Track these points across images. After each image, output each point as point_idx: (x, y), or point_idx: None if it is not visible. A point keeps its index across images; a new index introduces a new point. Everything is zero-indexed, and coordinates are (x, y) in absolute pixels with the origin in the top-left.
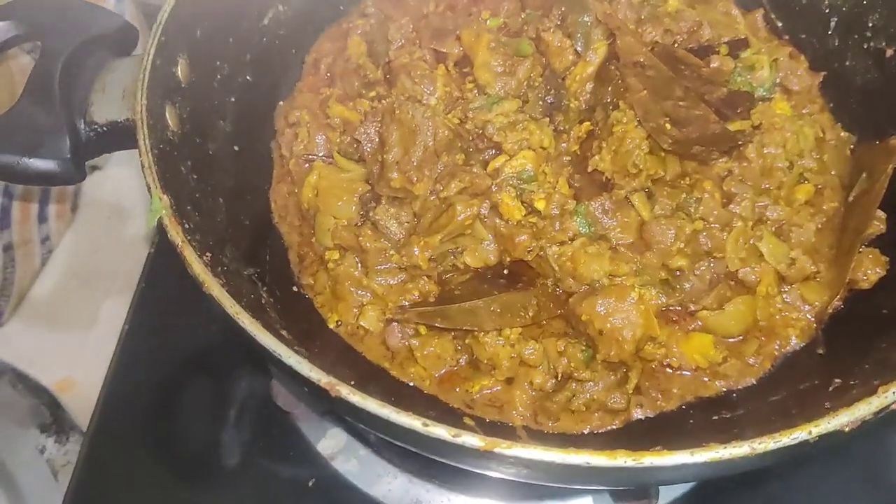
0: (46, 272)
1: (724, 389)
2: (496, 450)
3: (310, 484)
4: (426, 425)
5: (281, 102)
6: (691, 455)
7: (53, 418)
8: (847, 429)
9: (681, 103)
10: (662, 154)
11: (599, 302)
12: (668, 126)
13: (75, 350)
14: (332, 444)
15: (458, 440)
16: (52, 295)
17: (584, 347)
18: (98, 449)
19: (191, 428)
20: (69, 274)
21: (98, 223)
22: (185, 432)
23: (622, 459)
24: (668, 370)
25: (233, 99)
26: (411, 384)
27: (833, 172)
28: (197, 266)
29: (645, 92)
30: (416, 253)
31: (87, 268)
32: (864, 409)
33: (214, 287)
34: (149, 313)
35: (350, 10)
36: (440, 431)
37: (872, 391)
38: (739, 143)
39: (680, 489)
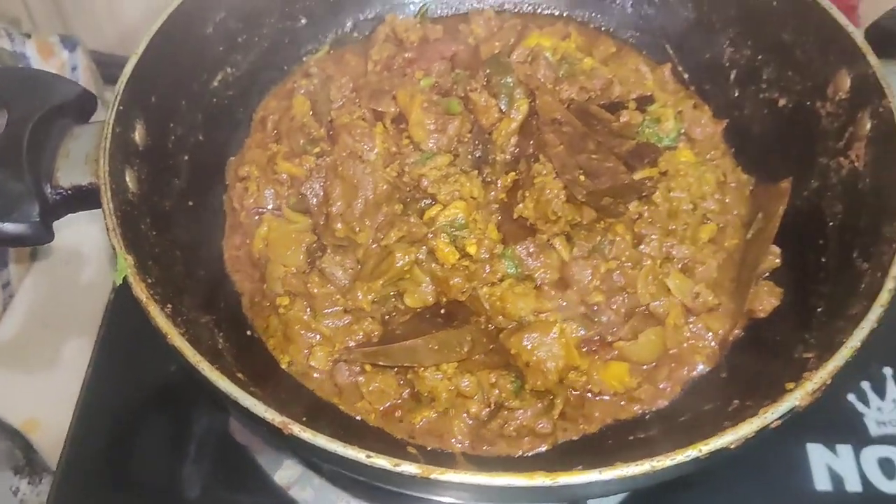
0: (7, 317)
1: (640, 412)
2: (432, 476)
3: None
4: (369, 457)
5: (231, 158)
6: (600, 474)
7: (26, 460)
8: (733, 446)
9: (593, 156)
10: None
11: (525, 337)
12: (581, 178)
13: (38, 391)
14: (288, 474)
15: (398, 469)
16: (14, 339)
17: (513, 378)
18: (66, 488)
19: (154, 464)
20: (30, 318)
21: (57, 268)
22: (149, 468)
23: (540, 480)
24: (590, 396)
25: (186, 157)
26: (358, 418)
27: (735, 212)
28: (160, 320)
29: (561, 147)
30: (360, 297)
31: (48, 311)
32: (746, 429)
33: (176, 339)
34: (111, 354)
35: (294, 70)
36: (382, 462)
37: (755, 413)
38: (644, 192)
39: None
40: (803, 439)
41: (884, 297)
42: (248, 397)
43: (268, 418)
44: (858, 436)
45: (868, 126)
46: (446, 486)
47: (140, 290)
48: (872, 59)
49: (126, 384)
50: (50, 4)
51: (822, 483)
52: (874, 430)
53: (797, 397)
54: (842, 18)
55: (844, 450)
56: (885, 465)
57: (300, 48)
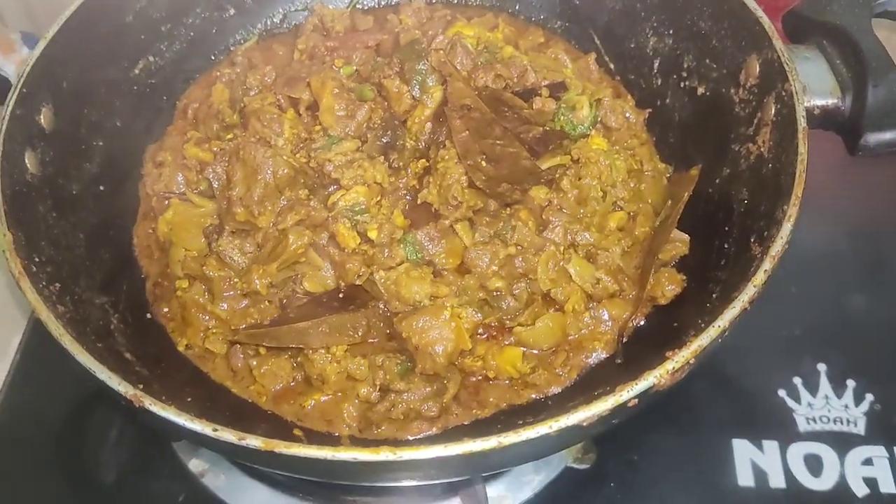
0: None
1: (534, 397)
2: (276, 450)
3: (180, 499)
4: (216, 430)
5: (151, 145)
6: (444, 448)
7: None
8: (585, 423)
9: (498, 142)
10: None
11: (416, 320)
12: (483, 164)
13: None
14: (200, 462)
15: (243, 443)
16: None
17: (399, 361)
18: None
19: (72, 449)
20: None
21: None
22: (66, 453)
23: (384, 454)
24: (487, 381)
25: (101, 143)
26: (250, 401)
27: (649, 201)
28: (30, 294)
29: (467, 132)
30: (257, 281)
31: None
32: (600, 407)
33: (43, 312)
34: (38, 344)
35: (221, 60)
36: (228, 436)
37: (611, 392)
38: (544, 178)
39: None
40: (729, 434)
41: (759, 277)
42: (103, 370)
43: (120, 391)
44: (786, 432)
45: (773, 111)
46: (292, 462)
47: (14, 266)
48: (778, 42)
49: (49, 370)
50: (19, 1)
51: (745, 478)
52: (803, 426)
53: (656, 376)
54: (751, 3)
55: (770, 446)
56: (811, 461)
57: (228, 38)
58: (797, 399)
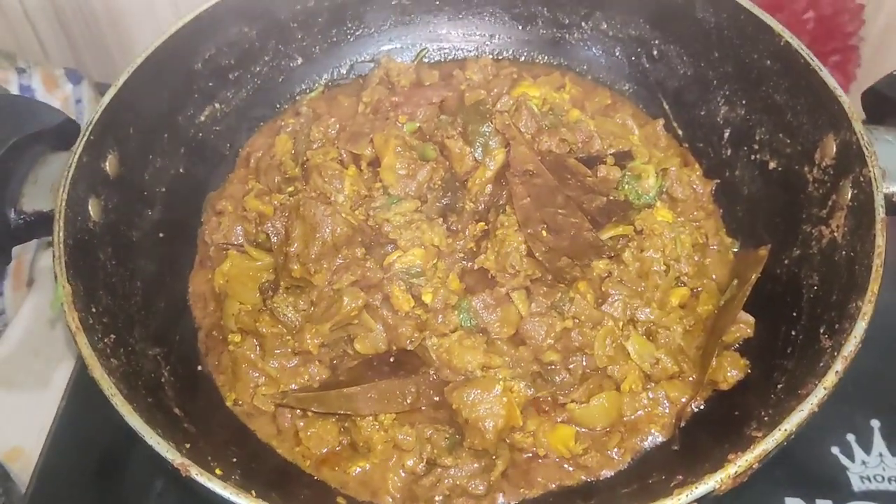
0: (1, 344)
1: (584, 479)
2: None
3: None
4: None
5: (212, 193)
6: None
7: (3, 489)
8: None
9: (560, 211)
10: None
11: (467, 392)
12: (543, 233)
13: (25, 420)
14: None
15: None
16: (5, 366)
17: (448, 434)
18: None
19: (121, 496)
20: (23, 345)
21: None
22: (116, 499)
23: None
24: (537, 459)
25: (163, 189)
26: (295, 463)
27: (714, 277)
28: (85, 350)
29: (528, 199)
30: (308, 339)
31: (41, 339)
32: None
33: (97, 370)
34: (88, 384)
35: (286, 109)
36: None
37: (669, 494)
38: (605, 252)
39: None
40: (781, 494)
41: (829, 379)
42: (153, 435)
43: (168, 458)
44: (840, 491)
45: (849, 195)
46: None
47: (71, 320)
48: (857, 124)
49: (99, 414)
50: (61, 36)
51: None
52: (857, 485)
53: (717, 480)
54: (831, 81)
55: None
56: None
57: (294, 87)
58: (851, 457)
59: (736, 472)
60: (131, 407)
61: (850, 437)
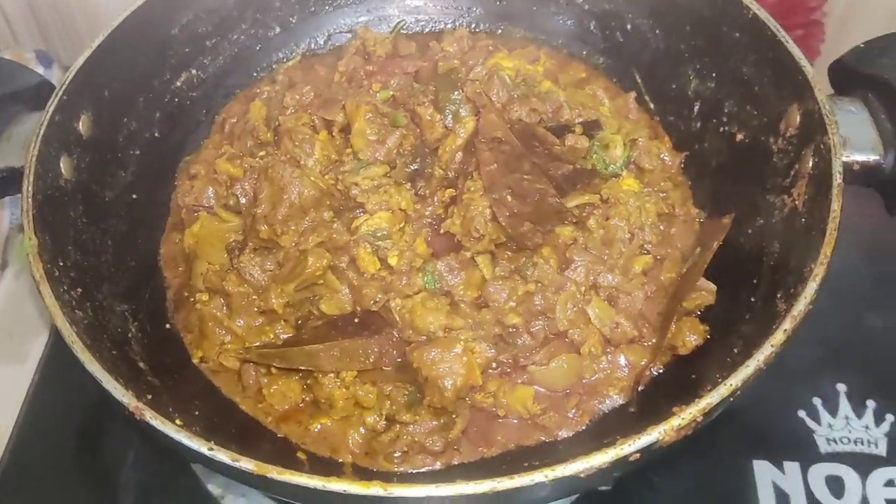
0: None
1: (543, 439)
2: (268, 475)
3: None
4: (211, 449)
5: (187, 157)
6: (436, 488)
7: None
8: (583, 475)
9: (525, 177)
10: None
11: (427, 351)
12: (508, 198)
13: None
14: (220, 482)
15: (237, 464)
16: None
17: (407, 392)
18: (4, 490)
19: (92, 468)
20: None
21: (27, 278)
22: (87, 472)
23: (374, 489)
24: (497, 419)
25: (137, 152)
26: (258, 419)
27: (678, 246)
28: (48, 299)
29: (495, 165)
30: (273, 299)
31: (17, 320)
32: (599, 459)
33: (59, 318)
34: (58, 362)
35: (263, 77)
36: (222, 456)
37: (613, 444)
38: (568, 219)
39: None
40: (750, 456)
41: (777, 337)
42: (110, 380)
43: (124, 402)
44: (807, 453)
45: (810, 163)
46: (285, 488)
47: (36, 269)
48: (820, 94)
49: (71, 390)
50: (31, 21)
51: (766, 500)
52: (824, 447)
53: (660, 431)
54: (796, 52)
55: (792, 467)
56: (832, 483)
57: (271, 56)
58: (817, 420)
59: (679, 425)
60: (90, 355)
61: (817, 401)
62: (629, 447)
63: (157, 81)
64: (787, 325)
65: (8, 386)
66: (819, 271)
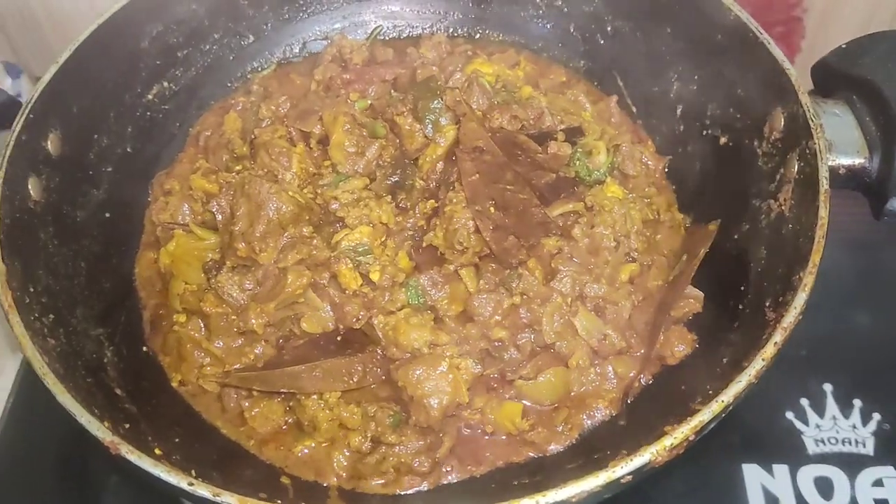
0: None
1: (532, 455)
2: None
3: None
4: (191, 484)
5: (161, 172)
6: None
7: None
8: (574, 500)
9: (508, 187)
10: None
11: (412, 369)
12: (492, 210)
13: None
14: None
15: (219, 499)
16: None
17: (392, 412)
18: None
19: (74, 492)
20: None
21: None
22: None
23: None
24: (485, 436)
25: (109, 169)
26: (240, 443)
27: (664, 252)
28: (17, 329)
29: (477, 175)
30: (253, 319)
31: None
32: (591, 483)
33: (28, 349)
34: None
35: (237, 88)
36: (203, 491)
37: (604, 467)
38: (553, 231)
39: None
40: (738, 460)
41: (768, 350)
42: (84, 412)
43: (99, 436)
44: (796, 455)
45: (796, 168)
46: None
47: (4, 298)
48: (804, 97)
49: (50, 407)
50: None
51: None
52: (812, 448)
53: (653, 452)
54: (779, 54)
55: (781, 470)
56: (821, 484)
57: (246, 65)
58: (805, 421)
59: (672, 445)
60: (63, 386)
61: (804, 402)
62: (621, 469)
63: (128, 95)
64: (778, 337)
65: None
66: (808, 280)
